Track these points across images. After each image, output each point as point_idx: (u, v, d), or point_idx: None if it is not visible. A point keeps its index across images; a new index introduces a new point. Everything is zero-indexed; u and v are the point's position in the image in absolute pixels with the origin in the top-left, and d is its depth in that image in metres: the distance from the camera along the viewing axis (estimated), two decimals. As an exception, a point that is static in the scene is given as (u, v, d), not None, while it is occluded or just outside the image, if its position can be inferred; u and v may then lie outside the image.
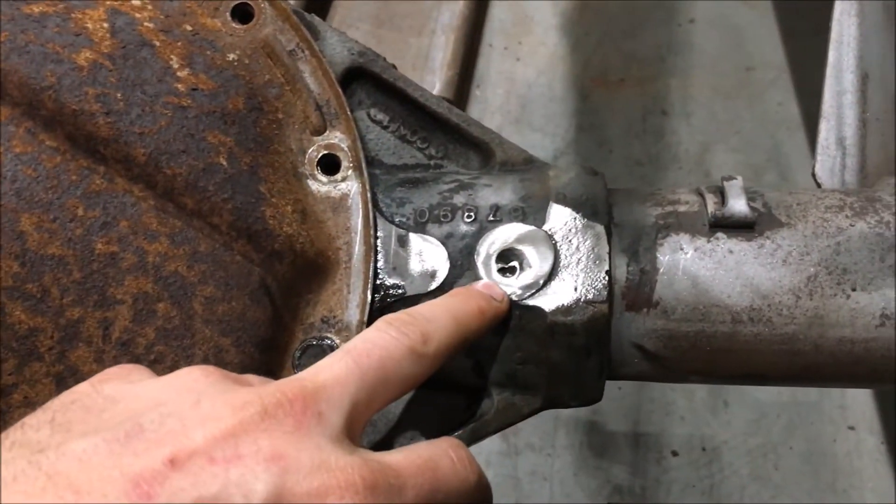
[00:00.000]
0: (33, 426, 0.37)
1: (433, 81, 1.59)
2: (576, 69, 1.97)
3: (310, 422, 0.38)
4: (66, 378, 0.48)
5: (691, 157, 1.80)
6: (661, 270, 0.55)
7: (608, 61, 1.96)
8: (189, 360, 0.50)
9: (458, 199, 0.57)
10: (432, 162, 0.62)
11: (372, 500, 0.37)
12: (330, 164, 0.57)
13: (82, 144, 0.50)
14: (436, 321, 0.47)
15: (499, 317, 0.53)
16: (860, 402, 1.48)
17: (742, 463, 1.44)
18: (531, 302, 0.54)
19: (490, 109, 1.92)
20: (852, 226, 0.55)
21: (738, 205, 0.55)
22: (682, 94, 1.90)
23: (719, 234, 0.55)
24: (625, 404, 1.49)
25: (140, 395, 0.39)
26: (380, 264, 0.56)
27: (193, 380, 0.40)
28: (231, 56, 0.56)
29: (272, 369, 0.53)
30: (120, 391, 0.39)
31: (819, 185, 0.66)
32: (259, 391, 0.39)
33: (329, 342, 0.54)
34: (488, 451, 1.44)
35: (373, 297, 0.55)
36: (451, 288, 0.55)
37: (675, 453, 1.45)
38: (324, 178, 0.57)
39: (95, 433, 0.36)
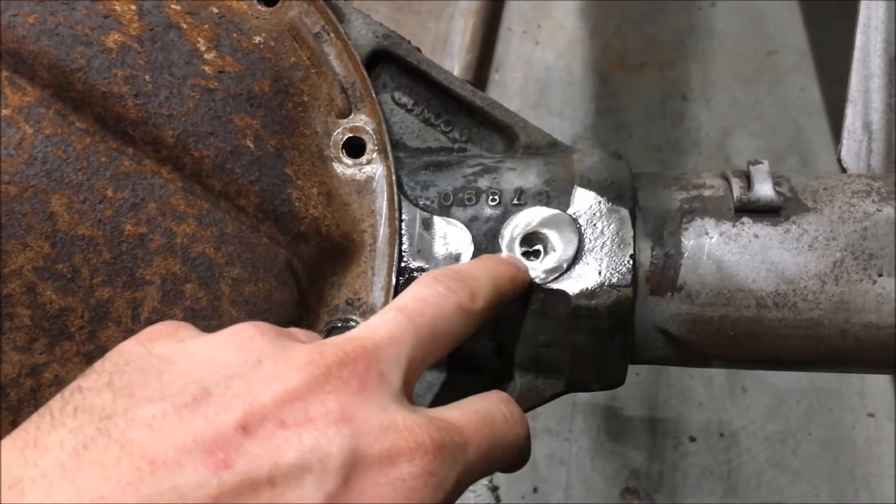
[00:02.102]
0: (93, 390, 0.36)
1: (452, 65, 1.59)
2: (595, 53, 1.96)
3: (373, 382, 0.38)
4: (97, 357, 0.48)
5: (711, 142, 1.79)
6: (686, 255, 0.55)
7: (628, 45, 1.95)
8: (216, 341, 0.50)
9: (483, 183, 0.58)
10: (456, 145, 0.62)
11: (440, 460, 0.37)
12: (355, 147, 0.57)
13: (111, 126, 0.50)
14: (479, 280, 0.47)
15: (524, 287, 0.53)
16: (880, 389, 1.48)
17: (760, 449, 1.44)
18: (555, 286, 0.54)
19: (508, 93, 1.91)
20: (879, 211, 0.55)
21: (765, 189, 0.55)
22: (702, 79, 1.89)
23: (745, 219, 0.55)
24: (642, 389, 1.49)
25: (195, 354, 0.38)
26: (404, 247, 0.56)
27: (249, 337, 0.39)
28: (257, 39, 0.56)
29: (298, 350, 0.54)
30: (172, 351, 0.38)
31: (844, 170, 0.66)
32: (320, 350, 0.38)
33: (353, 324, 0.54)
34: (506, 434, 1.44)
35: (397, 280, 0.55)
36: (475, 271, 0.56)
37: (692, 439, 1.45)
38: (349, 161, 0.57)
39: (162, 399, 0.35)
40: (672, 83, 1.89)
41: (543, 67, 1.95)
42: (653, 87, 1.89)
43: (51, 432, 0.34)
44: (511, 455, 0.44)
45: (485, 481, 1.41)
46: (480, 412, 0.42)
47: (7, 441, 0.34)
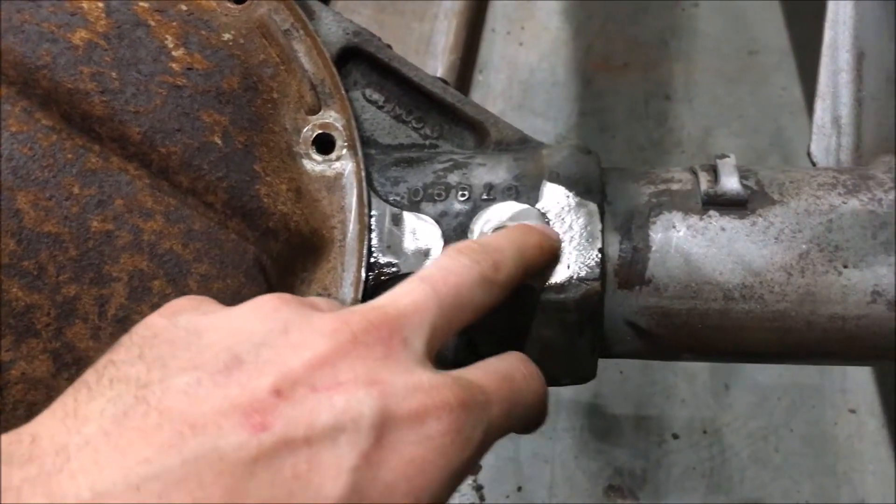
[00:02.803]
0: (125, 362, 0.36)
1: (435, 66, 1.59)
2: (578, 54, 1.97)
3: (397, 347, 0.39)
4: (63, 354, 0.48)
5: (694, 141, 1.80)
6: (654, 248, 0.55)
7: (611, 46, 1.96)
8: (184, 337, 0.50)
9: (453, 178, 0.58)
10: (427, 142, 0.62)
11: (465, 417, 0.38)
12: (324, 144, 0.57)
13: (78, 123, 0.50)
14: (504, 251, 0.48)
15: (554, 254, 0.54)
16: (861, 385, 1.48)
17: (743, 445, 1.44)
18: (524, 280, 0.54)
19: (492, 94, 1.92)
20: (845, 203, 0.55)
21: (731, 183, 0.56)
22: (685, 79, 1.90)
23: (712, 212, 0.56)
24: (626, 387, 1.50)
25: (221, 326, 0.38)
26: (374, 243, 0.56)
27: (273, 308, 0.40)
28: (226, 36, 0.56)
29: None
30: (198, 323, 0.39)
31: (815, 165, 0.66)
32: (344, 318, 0.39)
33: (324, 320, 0.55)
34: (490, 434, 1.45)
35: (367, 276, 0.55)
36: (445, 266, 0.56)
37: (675, 436, 1.46)
38: (318, 158, 0.57)
39: (195, 368, 0.36)
40: (655, 83, 1.90)
41: (527, 68, 1.96)
42: (636, 87, 1.90)
43: (89, 402, 0.35)
44: (531, 412, 0.45)
45: (469, 480, 1.41)
46: (501, 371, 0.44)
47: (46, 413, 0.35)
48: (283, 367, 0.36)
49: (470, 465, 0.39)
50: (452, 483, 0.38)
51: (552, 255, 0.53)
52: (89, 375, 0.36)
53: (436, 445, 0.37)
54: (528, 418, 0.45)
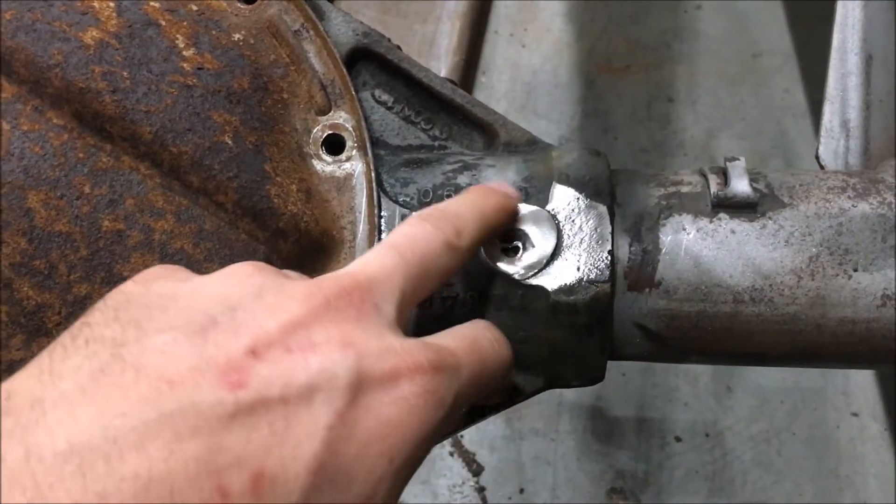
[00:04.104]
0: (100, 324, 0.37)
1: (438, 68, 1.59)
2: (581, 56, 1.97)
3: (369, 311, 0.40)
4: (74, 353, 0.48)
5: (697, 143, 1.80)
6: (664, 251, 0.55)
7: (613, 48, 1.96)
8: (195, 337, 0.50)
9: (462, 180, 0.58)
10: (436, 143, 0.62)
11: (438, 379, 0.39)
12: (334, 144, 0.57)
13: (89, 122, 0.50)
14: (465, 216, 0.49)
15: (514, 211, 0.54)
16: (864, 388, 1.48)
17: (745, 448, 1.44)
18: (534, 281, 0.54)
19: (496, 96, 1.91)
20: (854, 206, 0.55)
21: (741, 185, 0.56)
22: (687, 81, 1.90)
23: (722, 215, 0.56)
24: (628, 390, 1.50)
25: (198, 291, 0.39)
26: (384, 244, 0.56)
27: (247, 273, 0.40)
28: (236, 36, 0.56)
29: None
30: (173, 289, 0.39)
31: (823, 168, 0.66)
32: (318, 284, 0.40)
33: (333, 320, 0.54)
34: (492, 435, 1.45)
35: (377, 276, 0.55)
36: (454, 267, 0.56)
37: (678, 439, 1.46)
38: (328, 158, 0.57)
39: (171, 328, 0.36)
40: (658, 85, 1.90)
41: (530, 70, 1.96)
42: (639, 89, 1.90)
43: (65, 360, 0.35)
44: (497, 376, 0.46)
45: (471, 482, 1.41)
46: (469, 336, 0.45)
47: (21, 372, 0.35)
48: (259, 329, 0.36)
49: (442, 428, 0.40)
50: (426, 444, 0.39)
51: (513, 215, 0.54)
52: (64, 337, 0.36)
53: (410, 406, 0.38)
54: (496, 380, 0.47)
